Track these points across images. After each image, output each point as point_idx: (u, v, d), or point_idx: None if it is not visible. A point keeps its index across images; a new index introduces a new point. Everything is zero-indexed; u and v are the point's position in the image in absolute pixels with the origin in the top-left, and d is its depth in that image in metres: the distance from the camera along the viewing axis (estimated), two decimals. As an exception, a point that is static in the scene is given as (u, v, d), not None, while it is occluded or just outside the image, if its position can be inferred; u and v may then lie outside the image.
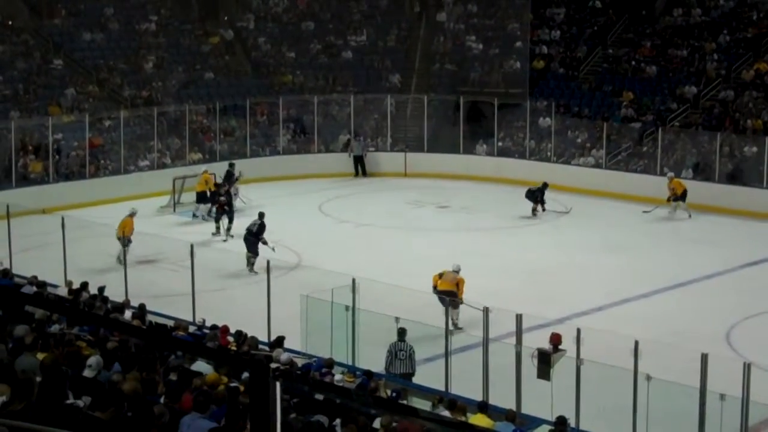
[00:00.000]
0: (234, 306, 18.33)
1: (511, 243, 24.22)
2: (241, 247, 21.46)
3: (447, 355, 14.62)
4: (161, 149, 30.39)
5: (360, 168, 31.98)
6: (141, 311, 15.31)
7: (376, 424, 10.42)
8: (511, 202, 26.96)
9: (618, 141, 30.92)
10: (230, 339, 14.28)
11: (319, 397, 10.30)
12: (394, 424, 10.16)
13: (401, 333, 14.79)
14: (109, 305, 14.94)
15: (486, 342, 14.24)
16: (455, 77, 34.92)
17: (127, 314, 15.12)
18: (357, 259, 21.32)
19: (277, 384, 4.40)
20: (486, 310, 14.23)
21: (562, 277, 21.15)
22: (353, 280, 15.03)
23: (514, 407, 13.09)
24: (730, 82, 31.65)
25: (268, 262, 16.71)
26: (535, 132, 32.07)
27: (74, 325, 11.80)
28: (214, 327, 14.75)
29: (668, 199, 26.65)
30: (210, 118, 32.02)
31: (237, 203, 26.36)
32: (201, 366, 11.17)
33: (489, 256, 22.26)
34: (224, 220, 24.32)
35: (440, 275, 17.98)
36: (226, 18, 36.90)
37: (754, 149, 28.22)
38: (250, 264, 21.25)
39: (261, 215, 22.02)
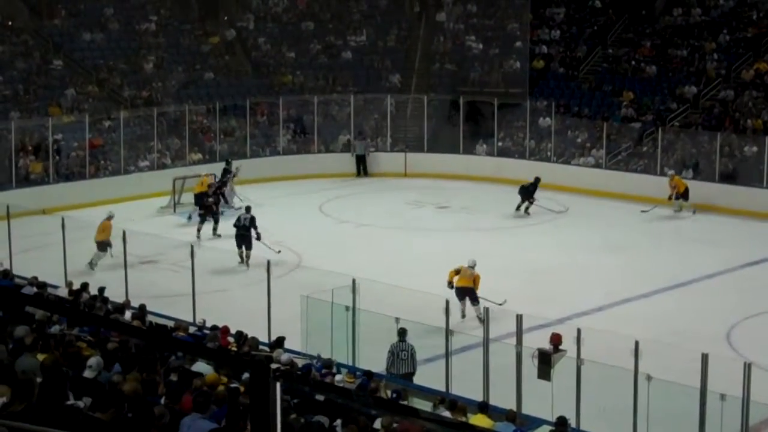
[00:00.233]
0: (234, 306, 18.30)
1: (511, 243, 24.22)
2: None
3: (447, 355, 14.61)
4: (161, 149, 30.37)
5: (362, 168, 32.00)
6: (141, 312, 15.29)
7: (377, 424, 10.41)
8: (511, 202, 26.94)
9: (618, 141, 30.90)
10: (230, 339, 14.27)
11: (320, 397, 10.29)
12: (395, 425, 10.15)
13: (402, 333, 14.80)
14: (109, 306, 14.92)
15: (486, 342, 14.25)
16: (455, 77, 34.92)
17: (128, 315, 15.10)
18: (357, 259, 21.33)
19: (278, 384, 4.40)
20: (486, 311, 14.24)
21: (562, 277, 21.14)
22: (353, 281, 15.03)
23: (514, 407, 13.08)
24: (730, 82, 31.64)
25: (268, 262, 16.71)
26: (535, 132, 32.06)
27: (74, 325, 11.79)
28: (214, 327, 14.74)
29: (669, 198, 26.65)
30: (210, 119, 32.00)
31: (235, 201, 26.35)
32: (201, 367, 11.16)
33: (489, 256, 22.17)
34: (210, 222, 24.08)
35: (457, 271, 18.12)
36: (226, 18, 36.89)
37: (754, 149, 28.20)
38: (246, 258, 21.33)
39: (248, 209, 22.26)
